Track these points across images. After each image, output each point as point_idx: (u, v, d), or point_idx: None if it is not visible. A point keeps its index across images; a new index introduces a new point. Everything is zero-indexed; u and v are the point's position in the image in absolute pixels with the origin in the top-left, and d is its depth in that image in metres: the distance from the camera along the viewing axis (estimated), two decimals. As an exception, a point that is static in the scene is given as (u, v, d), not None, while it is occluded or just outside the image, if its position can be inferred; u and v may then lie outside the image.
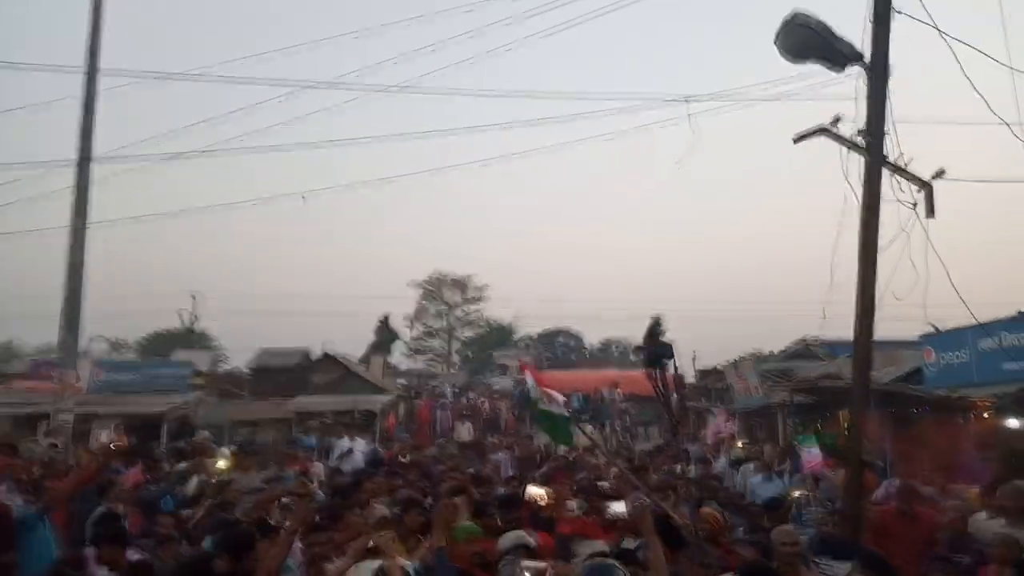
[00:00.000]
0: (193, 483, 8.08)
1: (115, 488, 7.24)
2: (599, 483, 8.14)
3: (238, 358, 42.93)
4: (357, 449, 14.33)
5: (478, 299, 70.00)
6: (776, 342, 27.19)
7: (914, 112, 6.87)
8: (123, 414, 18.46)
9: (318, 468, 11.43)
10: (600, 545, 5.43)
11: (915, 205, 6.79)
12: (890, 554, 5.41)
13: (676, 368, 5.25)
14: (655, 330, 4.66)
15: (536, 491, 5.93)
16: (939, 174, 6.71)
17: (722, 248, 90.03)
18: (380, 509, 6.22)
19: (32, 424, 19.32)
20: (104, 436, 16.48)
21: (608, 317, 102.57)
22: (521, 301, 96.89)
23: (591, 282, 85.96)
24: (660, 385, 4.72)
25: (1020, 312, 11.68)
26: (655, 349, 4.63)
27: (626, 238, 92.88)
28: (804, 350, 22.08)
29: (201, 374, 24.68)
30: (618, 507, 5.33)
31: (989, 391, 11.14)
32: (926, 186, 6.75)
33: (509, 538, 5.15)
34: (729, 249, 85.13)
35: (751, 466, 11.83)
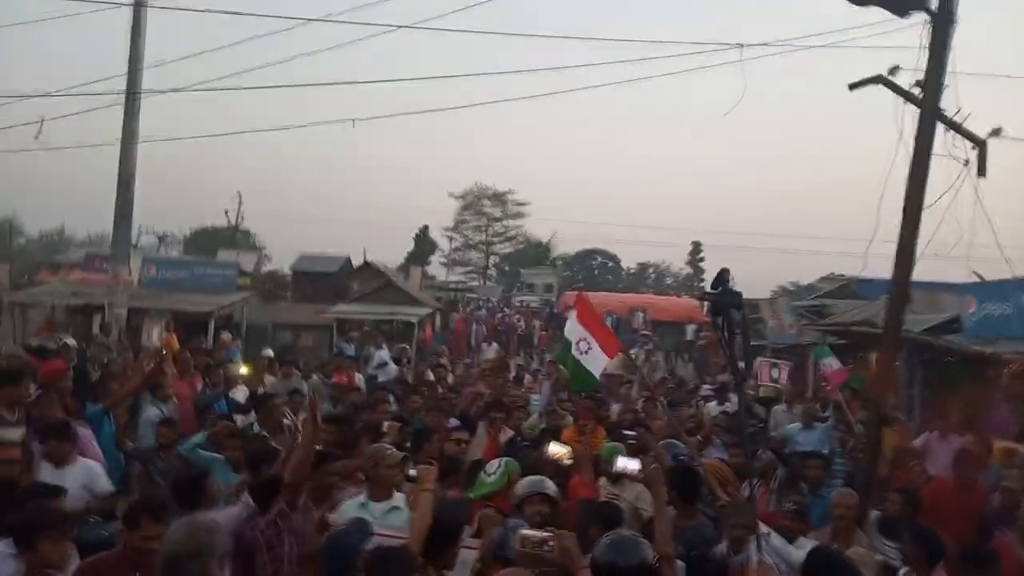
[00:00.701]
0: (242, 390, 8.52)
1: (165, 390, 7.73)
2: (628, 431, 7.34)
3: (280, 259, 44.02)
4: (392, 360, 14.85)
5: (517, 215, 70.05)
6: (814, 276, 26.93)
7: (974, 66, 6.65)
8: (172, 310, 19.19)
9: (359, 379, 11.89)
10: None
11: (967, 162, 6.67)
12: (946, 528, 4.90)
13: (743, 319, 4.85)
14: (722, 279, 4.44)
15: (558, 449, 5.23)
16: (995, 132, 6.56)
17: (767, 188, 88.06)
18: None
19: (85, 314, 20.28)
20: (156, 331, 17.33)
21: (646, 239, 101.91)
22: (560, 221, 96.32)
23: (631, 206, 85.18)
24: (725, 335, 4.50)
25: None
26: (721, 298, 4.45)
27: (670, 167, 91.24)
28: (844, 289, 21.91)
29: (246, 274, 25.45)
30: (630, 464, 4.89)
31: (1026, 346, 11.09)
32: (980, 144, 6.61)
33: (525, 484, 4.55)
34: (774, 190, 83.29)
35: (782, 407, 11.58)
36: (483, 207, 69.49)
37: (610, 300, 35.27)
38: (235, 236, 43.98)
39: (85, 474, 5.22)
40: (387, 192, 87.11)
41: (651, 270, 76.16)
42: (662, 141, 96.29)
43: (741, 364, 5.10)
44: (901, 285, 6.72)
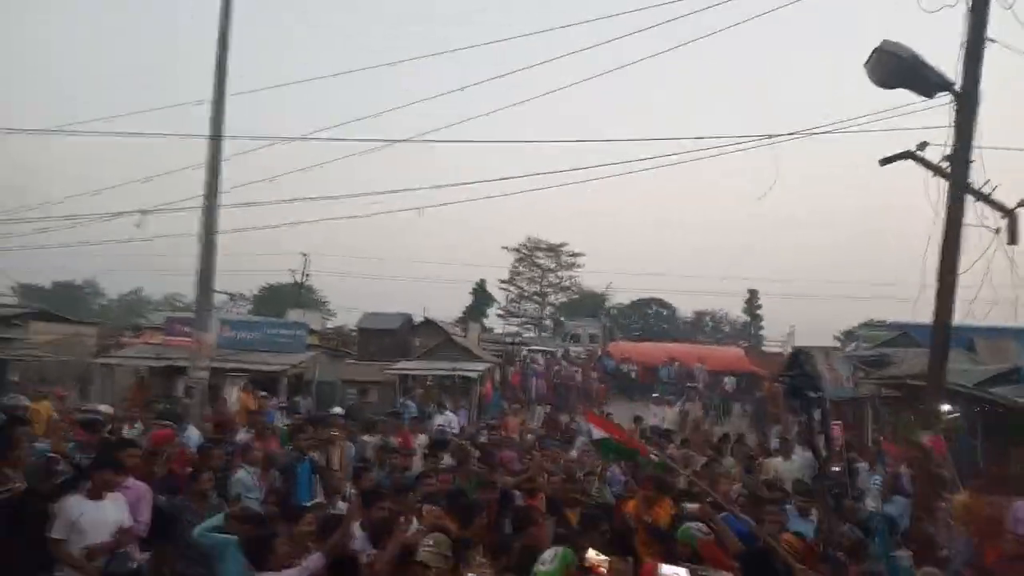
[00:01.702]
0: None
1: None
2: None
3: (343, 316, 45.56)
4: (453, 421, 15.47)
5: (571, 265, 70.61)
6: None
7: (1001, 138, 7.08)
8: (248, 370, 20.29)
9: (421, 439, 12.44)
10: None
11: (997, 231, 7.05)
12: None
13: (826, 403, 4.72)
14: (797, 360, 4.50)
15: (594, 559, 4.42)
16: (1022, 203, 6.94)
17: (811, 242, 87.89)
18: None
19: (167, 375, 21.55)
20: (234, 392, 18.36)
21: (701, 288, 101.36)
22: (616, 272, 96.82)
23: (686, 257, 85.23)
24: (808, 423, 4.52)
25: None
26: (798, 380, 4.40)
27: (723, 215, 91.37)
28: (903, 337, 21.75)
29: (313, 332, 26.55)
30: (671, 571, 4.44)
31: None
32: (1009, 213, 6.99)
33: None
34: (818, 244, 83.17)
35: (864, 466, 11.16)
36: (537, 259, 70.35)
37: (665, 350, 35.38)
38: (300, 294, 45.65)
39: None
40: (443, 248, 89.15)
41: (708, 318, 75.46)
42: (707, 206, 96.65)
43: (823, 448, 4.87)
44: (939, 351, 7.09)
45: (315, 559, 4.90)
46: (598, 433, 7.15)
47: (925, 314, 8.10)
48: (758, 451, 13.48)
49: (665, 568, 4.39)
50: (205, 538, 5.88)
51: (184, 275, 16.81)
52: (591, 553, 4.39)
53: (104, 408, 14.51)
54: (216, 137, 16.92)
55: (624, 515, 7.14)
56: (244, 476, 7.75)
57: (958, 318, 7.23)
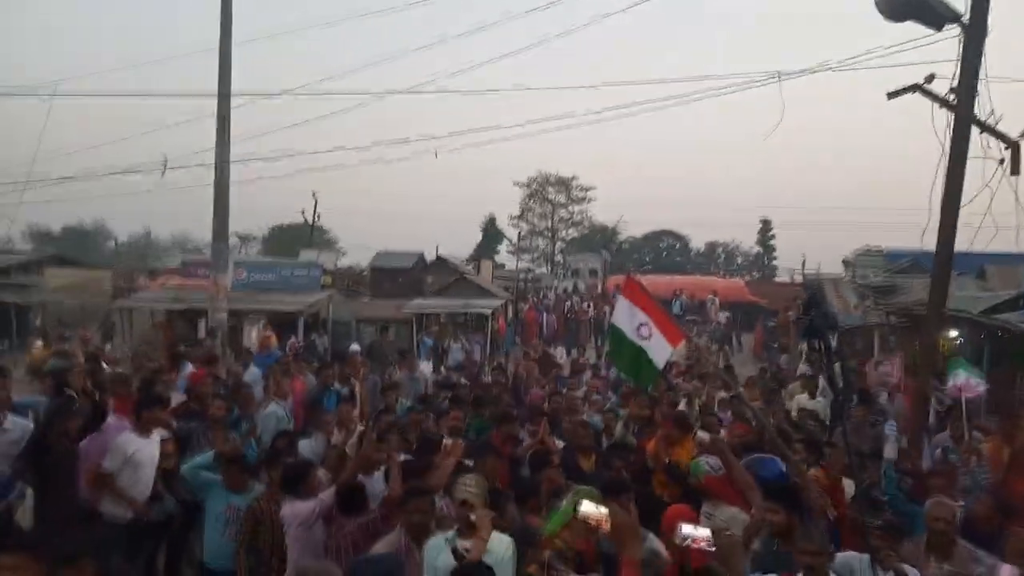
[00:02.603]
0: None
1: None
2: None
3: (354, 255, 45.88)
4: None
5: (582, 199, 70.33)
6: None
7: (1008, 70, 7.11)
8: (265, 311, 20.71)
9: (424, 370, 12.78)
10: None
11: (1002, 161, 7.15)
12: None
13: (837, 339, 4.45)
14: (815, 300, 4.22)
15: (593, 511, 3.63)
16: (1025, 134, 7.01)
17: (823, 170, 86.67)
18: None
19: (187, 318, 22.01)
20: (254, 332, 18.83)
21: (714, 221, 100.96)
22: (627, 205, 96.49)
23: (698, 187, 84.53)
24: (824, 357, 4.30)
25: None
26: (817, 320, 4.09)
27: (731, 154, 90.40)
28: (913, 265, 21.86)
29: (327, 272, 26.90)
30: (697, 532, 3.88)
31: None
32: (1013, 144, 7.07)
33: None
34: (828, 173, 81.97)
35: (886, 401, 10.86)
36: (548, 194, 70.08)
37: (677, 283, 35.49)
38: (312, 234, 45.87)
39: None
40: (454, 185, 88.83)
41: (720, 250, 75.45)
42: (719, 135, 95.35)
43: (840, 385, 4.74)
44: (940, 280, 7.29)
45: (328, 493, 5.05)
46: (622, 318, 6.60)
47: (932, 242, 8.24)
48: (773, 383, 13.17)
49: (686, 528, 3.85)
50: (191, 475, 6.10)
51: (193, 216, 17.03)
52: (586, 505, 3.59)
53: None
54: (226, 96, 16.95)
55: (644, 456, 6.78)
56: (276, 409, 8.16)
57: (964, 246, 7.41)
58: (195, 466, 6.09)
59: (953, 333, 15.26)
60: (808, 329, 4.53)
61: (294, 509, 5.03)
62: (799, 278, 37.86)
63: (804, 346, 16.18)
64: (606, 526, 3.51)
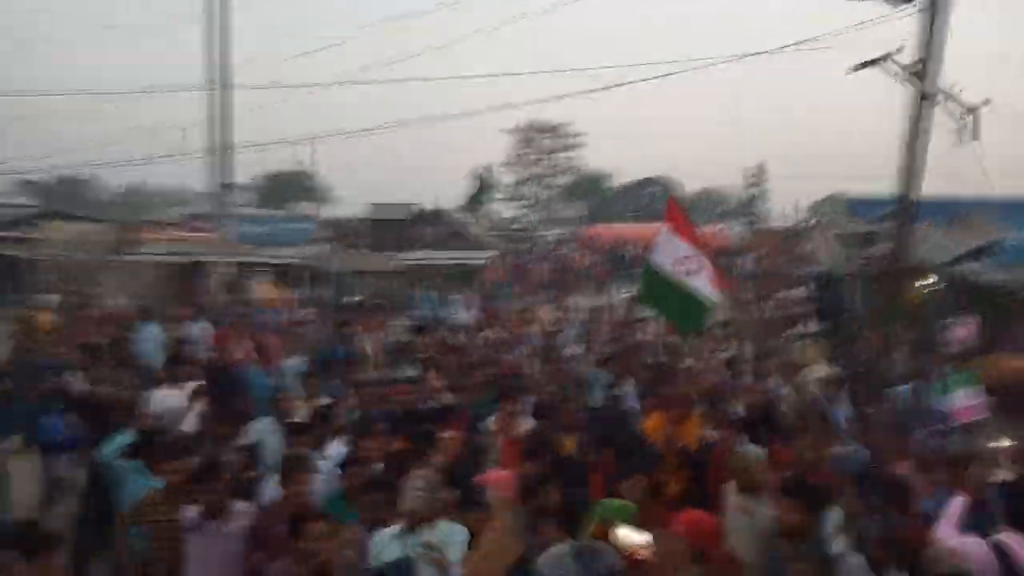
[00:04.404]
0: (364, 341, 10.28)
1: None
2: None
3: (348, 205, 46.24)
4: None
5: (573, 146, 70.24)
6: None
7: (967, 44, 7.70)
8: (270, 264, 21.33)
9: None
10: None
11: (963, 127, 7.81)
12: None
13: (852, 321, 4.20)
14: (828, 282, 3.95)
15: (633, 538, 3.14)
16: (985, 102, 7.66)
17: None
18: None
19: (189, 271, 22.56)
20: (258, 285, 19.51)
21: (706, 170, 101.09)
22: (618, 151, 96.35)
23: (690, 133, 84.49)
24: (840, 345, 3.94)
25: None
26: (831, 303, 3.71)
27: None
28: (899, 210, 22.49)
29: (328, 224, 27.45)
30: (630, 536, 3.20)
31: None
32: (972, 112, 7.72)
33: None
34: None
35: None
36: (538, 141, 69.92)
37: (652, 232, 35.92)
38: (305, 184, 46.13)
39: None
40: (445, 134, 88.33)
41: (711, 196, 75.77)
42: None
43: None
44: (903, 236, 8.02)
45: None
46: (662, 253, 5.52)
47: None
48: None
49: (622, 533, 3.15)
50: (110, 459, 5.38)
51: (189, 165, 17.59)
52: (622, 531, 3.01)
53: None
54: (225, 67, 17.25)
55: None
56: (296, 363, 8.83)
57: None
58: (116, 448, 5.40)
59: (925, 282, 16.08)
60: (821, 312, 3.94)
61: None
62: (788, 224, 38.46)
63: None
64: (649, 556, 2.77)
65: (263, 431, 5.95)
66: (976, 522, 4.37)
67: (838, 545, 3.94)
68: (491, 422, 6.13)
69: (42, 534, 3.57)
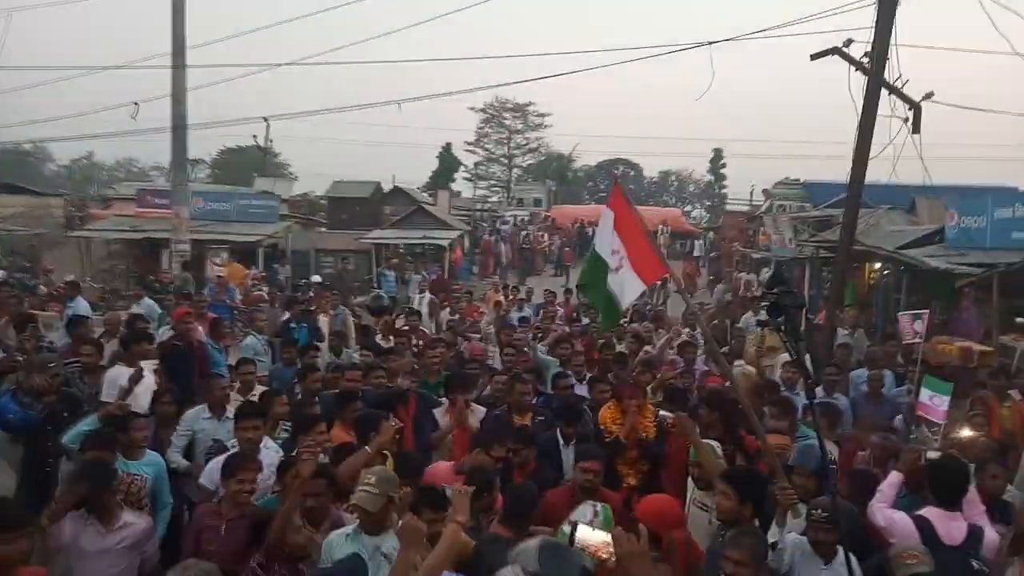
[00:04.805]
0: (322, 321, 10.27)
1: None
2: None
3: (307, 183, 45.63)
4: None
5: (539, 126, 70.18)
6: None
7: (917, 38, 7.93)
8: (225, 241, 21.03)
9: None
10: None
11: (906, 120, 8.06)
12: None
13: (807, 319, 3.93)
14: (781, 278, 3.76)
15: (593, 539, 2.75)
16: (927, 96, 7.91)
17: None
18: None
19: (145, 248, 22.19)
20: (218, 261, 19.26)
21: (668, 149, 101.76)
22: (583, 133, 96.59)
23: (654, 116, 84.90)
24: (792, 340, 3.82)
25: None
26: (783, 298, 3.72)
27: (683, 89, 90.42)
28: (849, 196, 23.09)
29: (283, 201, 27.02)
30: (587, 535, 2.77)
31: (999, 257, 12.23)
32: (915, 106, 7.97)
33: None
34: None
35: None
36: (504, 120, 69.69)
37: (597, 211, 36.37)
38: (265, 161, 45.33)
39: None
40: (408, 112, 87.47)
41: (673, 178, 76.65)
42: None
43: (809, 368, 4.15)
44: (849, 225, 8.28)
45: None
46: (602, 237, 5.26)
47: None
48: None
49: (581, 531, 2.77)
50: (77, 443, 5.23)
51: (138, 138, 17.20)
52: (583, 530, 2.73)
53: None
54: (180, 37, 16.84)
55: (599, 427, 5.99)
56: (253, 342, 8.83)
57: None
58: (78, 434, 5.31)
59: (878, 265, 16.57)
60: (773, 308, 3.93)
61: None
62: (748, 206, 39.12)
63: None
64: (608, 556, 2.59)
65: (195, 418, 5.92)
66: (907, 499, 4.72)
67: (778, 533, 3.97)
68: (441, 412, 6.16)
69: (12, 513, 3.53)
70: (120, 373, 6.56)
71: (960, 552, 4.08)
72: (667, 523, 3.82)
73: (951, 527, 4.19)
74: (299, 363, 7.82)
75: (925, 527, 4.21)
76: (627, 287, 5.07)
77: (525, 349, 8.58)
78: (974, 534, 4.20)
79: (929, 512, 4.31)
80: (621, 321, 8.51)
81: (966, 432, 5.81)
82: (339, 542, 3.83)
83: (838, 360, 8.28)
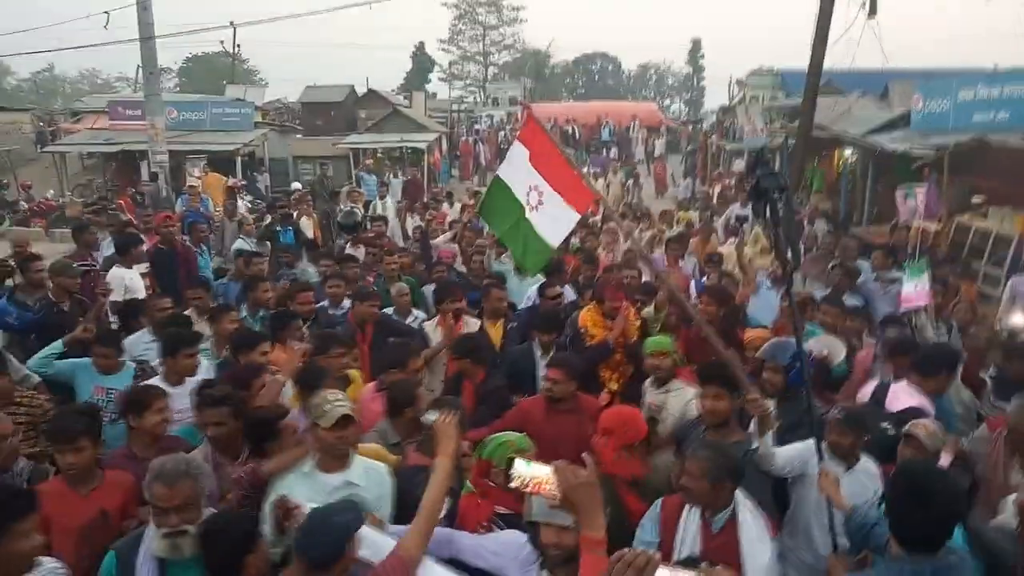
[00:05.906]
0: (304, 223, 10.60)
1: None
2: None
3: (277, 89, 44.61)
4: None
5: (514, 20, 68.25)
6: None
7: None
8: (202, 151, 20.98)
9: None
10: None
11: (864, 5, 8.30)
12: None
13: (790, 203, 3.81)
14: (762, 161, 3.64)
15: (530, 473, 2.33)
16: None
17: None
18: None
19: (123, 161, 22.08)
20: (196, 172, 19.30)
21: (645, 41, 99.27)
22: (560, 26, 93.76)
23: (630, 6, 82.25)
24: (773, 227, 3.62)
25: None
26: (765, 181, 3.50)
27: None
28: (826, 84, 23.13)
29: (257, 109, 26.67)
30: (526, 470, 2.33)
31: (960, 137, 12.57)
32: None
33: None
34: None
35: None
36: (478, 16, 67.66)
37: (606, 109, 36.12)
38: (234, 68, 44.20)
39: None
40: (380, 12, 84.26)
41: (652, 71, 75.46)
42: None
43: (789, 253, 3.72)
44: (808, 102, 8.62)
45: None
46: (513, 169, 4.83)
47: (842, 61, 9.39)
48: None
49: (519, 466, 2.36)
50: (41, 367, 5.15)
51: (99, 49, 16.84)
52: (520, 464, 2.38)
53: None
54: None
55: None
56: (242, 245, 9.20)
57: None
58: (44, 356, 5.19)
59: (847, 151, 16.94)
60: (755, 192, 3.73)
61: None
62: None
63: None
64: (550, 491, 2.28)
65: (136, 343, 5.58)
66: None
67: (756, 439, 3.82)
68: (432, 326, 5.96)
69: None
70: (122, 273, 7.01)
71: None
72: (629, 435, 3.73)
73: None
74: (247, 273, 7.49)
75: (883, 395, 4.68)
76: (557, 222, 4.63)
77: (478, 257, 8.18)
78: None
79: (896, 384, 4.77)
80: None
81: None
82: (294, 482, 3.32)
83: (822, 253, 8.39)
